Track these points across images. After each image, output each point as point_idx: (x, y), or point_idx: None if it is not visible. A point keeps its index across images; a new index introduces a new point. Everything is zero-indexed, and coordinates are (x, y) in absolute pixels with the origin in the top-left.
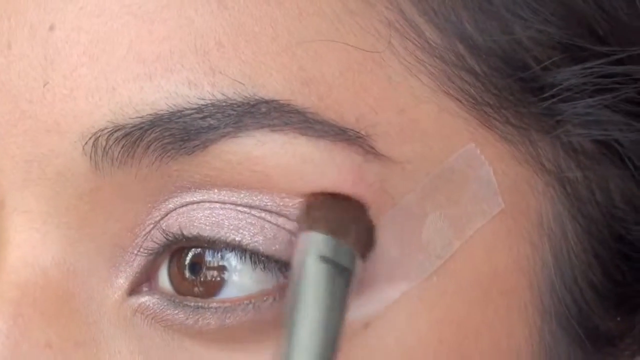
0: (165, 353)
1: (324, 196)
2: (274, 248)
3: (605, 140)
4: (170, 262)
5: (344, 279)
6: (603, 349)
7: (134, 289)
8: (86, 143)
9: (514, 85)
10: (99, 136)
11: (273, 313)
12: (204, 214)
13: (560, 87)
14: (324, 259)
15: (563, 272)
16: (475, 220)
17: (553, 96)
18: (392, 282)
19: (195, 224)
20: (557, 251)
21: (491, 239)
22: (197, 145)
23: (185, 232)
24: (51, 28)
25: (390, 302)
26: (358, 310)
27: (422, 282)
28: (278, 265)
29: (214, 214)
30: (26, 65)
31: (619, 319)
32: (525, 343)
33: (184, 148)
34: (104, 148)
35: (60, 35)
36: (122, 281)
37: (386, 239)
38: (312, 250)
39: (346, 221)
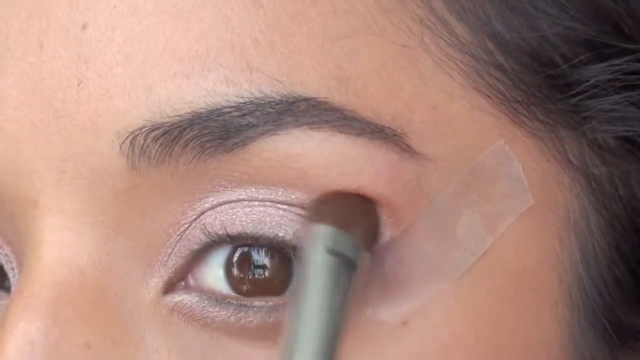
0: (203, 351)
1: (332, 191)
2: None
3: (629, 137)
4: (212, 260)
5: (349, 272)
6: (627, 343)
7: (168, 288)
8: (123, 142)
9: (541, 82)
10: (137, 135)
11: None
12: (244, 211)
13: (587, 84)
14: (331, 251)
15: (589, 266)
16: (506, 216)
17: (580, 93)
18: (428, 279)
19: (236, 221)
20: (583, 246)
21: (521, 235)
22: (236, 143)
23: (228, 231)
24: (84, 27)
25: (427, 300)
26: (396, 308)
27: (457, 279)
28: None
29: (254, 212)
30: (59, 64)
31: None
32: (556, 338)
33: (223, 146)
34: (142, 147)
35: (94, 34)
36: (157, 280)
37: (422, 236)
38: (319, 242)
39: (353, 215)
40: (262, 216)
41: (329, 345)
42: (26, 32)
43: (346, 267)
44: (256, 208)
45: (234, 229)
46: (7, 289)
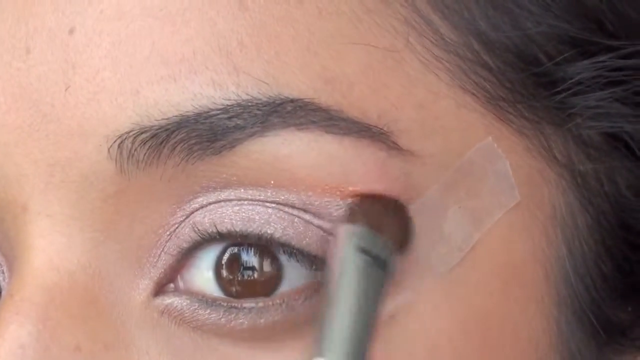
0: (194, 353)
1: (365, 193)
2: (304, 242)
3: (613, 133)
4: (201, 261)
5: (381, 271)
6: (615, 339)
7: (159, 290)
8: (111, 146)
9: (526, 80)
10: (125, 139)
11: (305, 312)
12: (233, 209)
13: (572, 81)
14: (363, 250)
15: (576, 263)
16: (493, 213)
17: (565, 90)
18: (416, 274)
19: (226, 219)
20: (569, 242)
21: (508, 231)
22: (224, 146)
23: (218, 228)
24: (71, 32)
25: (415, 294)
26: (384, 302)
27: (445, 274)
28: (309, 260)
29: (243, 210)
30: (46, 69)
31: (629, 309)
32: (543, 334)
33: (211, 148)
34: (130, 151)
35: (81, 39)
36: (147, 282)
37: None
38: (352, 242)
39: (384, 216)
40: (251, 214)
41: (360, 344)
42: (13, 37)
43: (377, 266)
44: (245, 206)
45: (223, 226)
46: None
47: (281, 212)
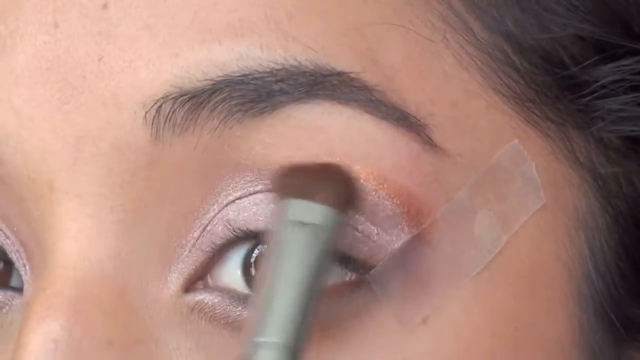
0: (225, 350)
1: (290, 166)
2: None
3: (633, 136)
4: (231, 258)
5: (320, 238)
6: (633, 336)
7: (189, 287)
8: (148, 111)
9: (552, 82)
10: (163, 103)
11: (338, 309)
12: (268, 207)
13: (597, 84)
14: (294, 222)
15: (597, 262)
16: (520, 215)
17: (590, 93)
18: (447, 277)
19: (260, 218)
20: (591, 242)
21: (534, 233)
22: (266, 107)
23: (251, 227)
24: (105, 6)
25: (446, 297)
26: (416, 306)
27: (475, 276)
28: (342, 260)
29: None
30: (76, 41)
31: None
32: (566, 333)
33: (253, 110)
34: (167, 115)
35: (116, 13)
36: (176, 276)
37: (442, 234)
38: (282, 216)
39: (317, 182)
40: None
41: (301, 318)
42: (39, 12)
43: (314, 234)
44: None
45: (258, 225)
46: (13, 288)
47: None
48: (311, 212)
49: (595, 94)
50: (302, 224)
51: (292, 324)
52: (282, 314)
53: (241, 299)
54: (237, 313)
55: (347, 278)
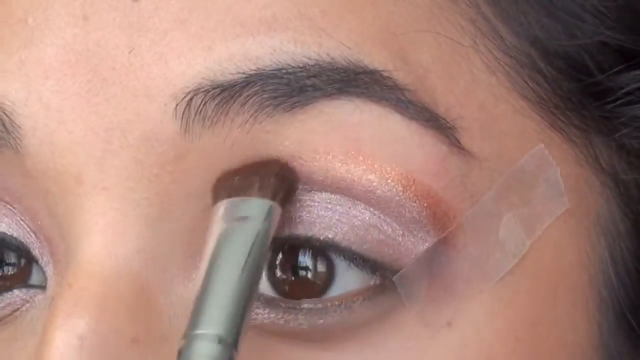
0: (251, 352)
1: (225, 172)
2: (364, 247)
3: None
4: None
5: (256, 229)
6: None
7: None
8: (178, 104)
9: (577, 89)
10: (194, 95)
11: (362, 314)
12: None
13: (621, 91)
14: (226, 218)
15: (617, 267)
16: (544, 219)
17: (614, 100)
18: (472, 280)
19: (290, 222)
20: (611, 247)
21: (557, 238)
22: (298, 102)
23: (279, 232)
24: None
25: (470, 301)
26: (441, 309)
27: (499, 281)
28: (368, 264)
29: (305, 211)
30: (107, 33)
31: None
32: (587, 337)
33: (284, 104)
34: (198, 107)
35: (147, 6)
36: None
37: (467, 238)
38: (215, 216)
39: (251, 178)
40: (314, 218)
41: (238, 308)
42: (68, 5)
43: (248, 227)
44: (306, 207)
45: (282, 230)
46: (32, 286)
47: (341, 213)
48: (245, 206)
49: (620, 101)
50: (237, 218)
51: (227, 315)
52: (217, 306)
53: (268, 302)
54: (264, 316)
55: (372, 282)
